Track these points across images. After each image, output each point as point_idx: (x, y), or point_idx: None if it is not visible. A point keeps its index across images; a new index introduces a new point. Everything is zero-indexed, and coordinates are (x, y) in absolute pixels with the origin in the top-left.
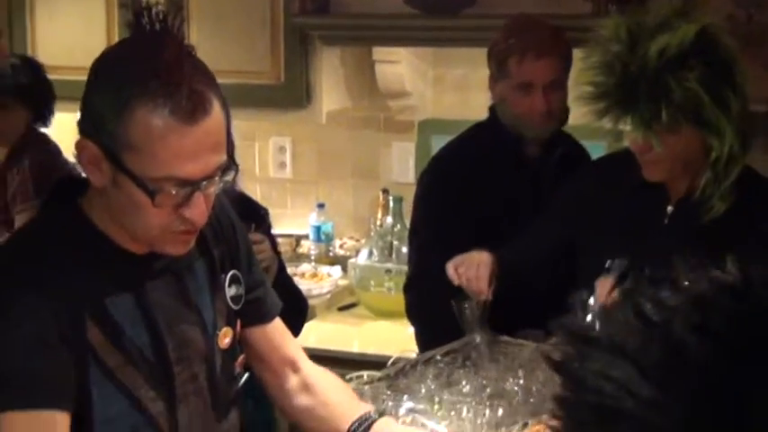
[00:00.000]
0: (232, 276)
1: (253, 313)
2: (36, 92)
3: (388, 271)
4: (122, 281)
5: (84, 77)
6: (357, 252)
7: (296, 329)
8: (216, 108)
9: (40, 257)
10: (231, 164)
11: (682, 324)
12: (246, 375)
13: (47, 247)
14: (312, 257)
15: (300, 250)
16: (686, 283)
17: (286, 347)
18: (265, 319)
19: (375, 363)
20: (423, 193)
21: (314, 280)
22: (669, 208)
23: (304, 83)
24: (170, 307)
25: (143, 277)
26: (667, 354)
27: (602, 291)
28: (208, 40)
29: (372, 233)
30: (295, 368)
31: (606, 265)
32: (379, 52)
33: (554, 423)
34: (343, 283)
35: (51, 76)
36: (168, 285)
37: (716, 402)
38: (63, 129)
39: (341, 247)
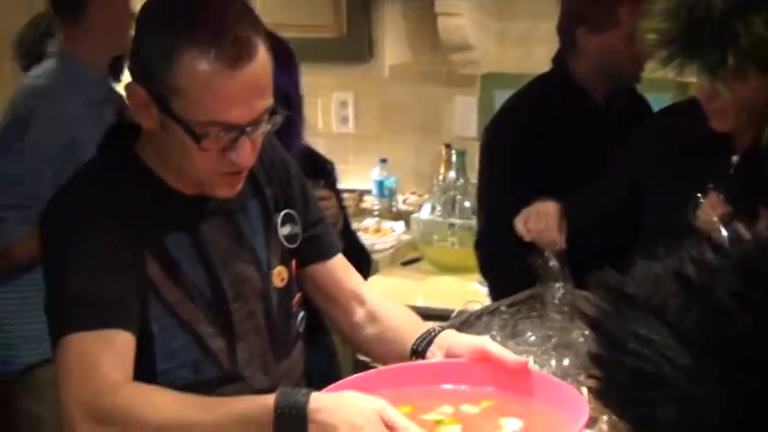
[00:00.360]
0: (286, 215)
1: (312, 250)
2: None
3: (452, 225)
4: (177, 220)
5: None
6: (420, 207)
7: None
8: (261, 53)
9: (98, 196)
10: (278, 108)
11: (723, 290)
12: (302, 314)
13: (105, 187)
14: (375, 212)
15: (363, 205)
16: (730, 245)
17: (351, 282)
18: (326, 255)
19: (439, 316)
20: (489, 146)
21: (377, 235)
22: (734, 158)
23: (366, 37)
24: (224, 246)
25: (197, 217)
26: (706, 320)
27: (710, 205)
28: None
29: (435, 188)
30: (361, 301)
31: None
32: (442, 5)
33: (590, 382)
34: (406, 238)
35: None
36: (222, 225)
37: (752, 375)
38: None
39: (404, 202)
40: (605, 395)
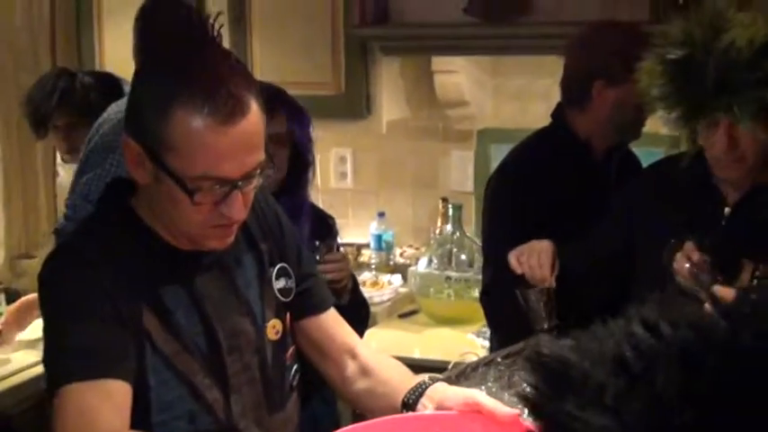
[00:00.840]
0: (280, 269)
1: (305, 304)
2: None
3: (448, 278)
4: (173, 274)
5: None
6: (417, 260)
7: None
8: (254, 109)
9: (95, 251)
10: (269, 162)
11: (664, 379)
12: (296, 367)
13: (102, 242)
14: (373, 266)
15: (361, 259)
16: (669, 328)
17: (343, 336)
18: (319, 309)
19: (436, 368)
20: (492, 201)
21: (375, 288)
22: (726, 210)
23: (364, 93)
24: (220, 299)
25: (192, 271)
26: (648, 410)
27: (685, 253)
28: (269, 52)
29: (432, 241)
30: (353, 354)
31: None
32: (438, 62)
33: None
34: (403, 290)
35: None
36: (218, 279)
37: None
38: None
39: (401, 255)
40: None
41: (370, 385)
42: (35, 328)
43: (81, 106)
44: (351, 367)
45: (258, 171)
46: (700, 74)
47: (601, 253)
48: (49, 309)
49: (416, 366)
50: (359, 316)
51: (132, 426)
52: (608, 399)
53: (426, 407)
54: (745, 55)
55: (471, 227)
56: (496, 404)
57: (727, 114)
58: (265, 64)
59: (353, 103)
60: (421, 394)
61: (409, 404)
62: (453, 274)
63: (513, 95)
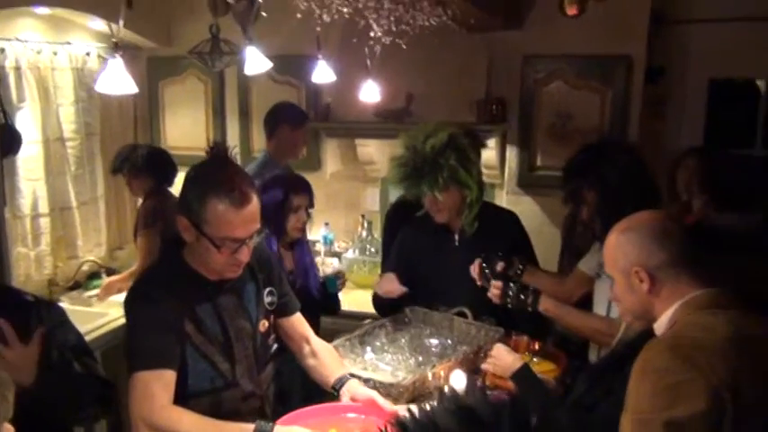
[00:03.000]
0: (269, 291)
1: (282, 310)
2: (159, 165)
3: (364, 261)
4: (204, 296)
5: (192, 154)
6: (347, 250)
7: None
8: (254, 199)
9: (157, 285)
10: (262, 227)
11: None
12: (275, 346)
13: (162, 279)
14: (322, 253)
15: (315, 249)
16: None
17: (303, 330)
18: (290, 313)
19: (356, 315)
20: (384, 224)
21: (324, 266)
22: (456, 236)
23: (316, 157)
24: (232, 310)
25: (217, 293)
26: None
27: (475, 268)
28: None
29: (355, 239)
30: (307, 341)
31: (488, 258)
32: (359, 141)
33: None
34: (339, 266)
35: (174, 152)
36: (231, 297)
37: None
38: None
39: (338, 247)
40: None
41: (315, 364)
42: (122, 295)
43: (134, 166)
44: (305, 349)
45: (256, 233)
46: (410, 163)
47: (398, 269)
48: (129, 322)
49: (349, 314)
50: (332, 307)
51: (177, 387)
52: None
53: (345, 395)
54: (430, 154)
55: (377, 232)
56: (386, 403)
57: (428, 188)
58: (260, 143)
59: (312, 162)
60: (343, 384)
61: (336, 389)
62: (367, 258)
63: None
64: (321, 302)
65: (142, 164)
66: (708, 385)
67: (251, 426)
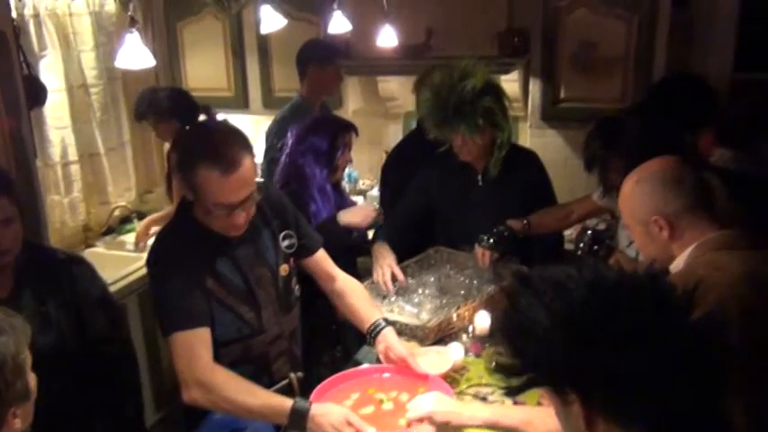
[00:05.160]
0: (285, 234)
1: (304, 250)
2: (183, 107)
3: None
4: (221, 250)
5: (214, 95)
6: (372, 188)
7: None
8: (246, 163)
9: (177, 244)
10: (257, 191)
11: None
12: (297, 288)
13: (181, 238)
14: (348, 190)
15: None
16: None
17: (327, 267)
18: (311, 252)
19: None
20: (381, 178)
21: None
22: (479, 177)
23: (338, 95)
24: (251, 260)
25: (233, 246)
26: (561, 306)
27: (479, 256)
28: (285, 75)
29: (379, 176)
30: (333, 279)
31: (480, 239)
32: (381, 78)
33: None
34: (362, 202)
35: (196, 94)
36: (248, 248)
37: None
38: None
39: (363, 184)
40: (497, 335)
41: (346, 304)
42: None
43: (158, 110)
44: (333, 286)
45: (252, 196)
46: (445, 105)
47: (412, 212)
48: (157, 284)
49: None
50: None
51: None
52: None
53: (380, 342)
54: (469, 96)
55: None
56: (417, 364)
57: (468, 131)
58: (281, 82)
59: (334, 100)
60: (378, 332)
61: (371, 335)
62: None
63: None
64: (363, 244)
65: (166, 108)
66: None
67: (289, 402)
